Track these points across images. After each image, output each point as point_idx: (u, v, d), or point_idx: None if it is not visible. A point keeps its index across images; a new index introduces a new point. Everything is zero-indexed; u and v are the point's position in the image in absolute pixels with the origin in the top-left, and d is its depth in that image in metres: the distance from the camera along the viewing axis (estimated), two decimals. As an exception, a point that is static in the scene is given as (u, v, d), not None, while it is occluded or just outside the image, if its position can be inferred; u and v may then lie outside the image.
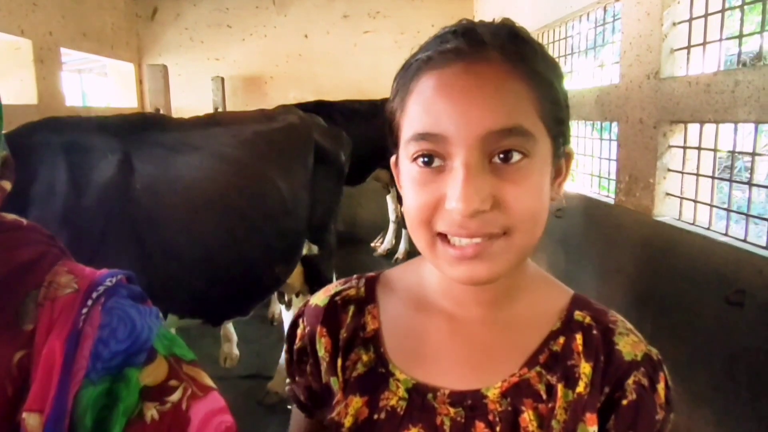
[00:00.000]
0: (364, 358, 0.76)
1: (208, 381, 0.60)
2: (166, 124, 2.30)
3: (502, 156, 0.62)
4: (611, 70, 3.94)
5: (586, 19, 4.26)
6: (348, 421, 0.73)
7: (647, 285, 3.19)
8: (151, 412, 0.54)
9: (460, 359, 0.74)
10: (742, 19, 2.51)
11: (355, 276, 0.85)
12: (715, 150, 2.77)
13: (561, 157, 0.72)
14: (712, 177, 2.82)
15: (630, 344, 0.72)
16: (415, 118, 0.65)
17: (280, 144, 2.58)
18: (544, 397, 0.70)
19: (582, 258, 4.09)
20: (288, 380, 0.88)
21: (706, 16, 2.72)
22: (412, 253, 5.53)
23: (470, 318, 0.75)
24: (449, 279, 0.69)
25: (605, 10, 3.92)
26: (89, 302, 0.55)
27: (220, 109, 6.81)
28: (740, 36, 2.58)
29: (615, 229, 3.58)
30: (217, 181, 2.22)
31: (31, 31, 4.86)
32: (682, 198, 2.99)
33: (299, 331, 0.83)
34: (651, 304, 3.14)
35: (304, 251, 2.79)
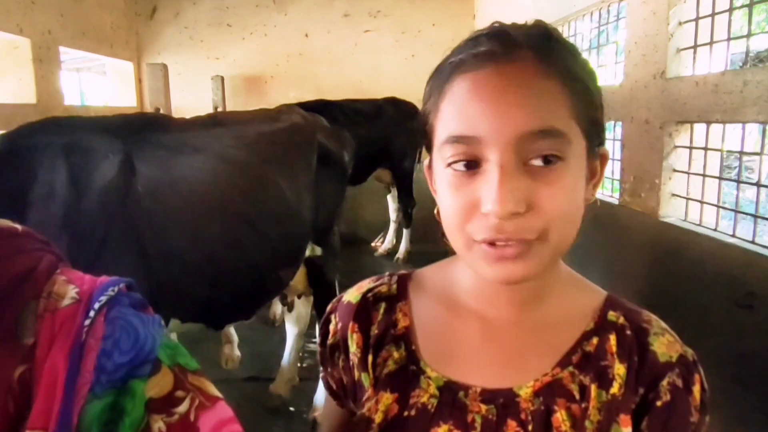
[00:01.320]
0: (395, 355, 0.76)
1: (214, 390, 0.58)
2: (168, 125, 2.26)
3: (542, 160, 0.62)
4: (612, 69, 3.91)
5: (588, 19, 4.24)
6: (378, 417, 0.73)
7: (653, 286, 3.17)
8: (159, 424, 0.53)
9: (491, 358, 0.74)
10: (750, 19, 2.49)
11: (387, 273, 0.85)
12: (722, 150, 2.75)
13: (596, 158, 0.71)
14: (719, 178, 2.80)
15: (665, 345, 0.71)
16: (448, 121, 0.65)
17: (283, 145, 2.55)
18: (577, 397, 0.69)
19: (585, 259, 4.06)
20: (321, 369, 0.89)
21: (713, 15, 2.70)
22: (413, 253, 5.55)
23: (502, 318, 0.75)
24: (483, 279, 0.69)
25: (609, 11, 3.89)
26: (91, 313, 0.53)
27: (220, 109, 6.78)
28: (748, 35, 2.56)
29: (619, 229, 3.55)
30: (220, 183, 2.19)
31: (29, 29, 4.83)
32: (688, 199, 2.97)
33: (332, 327, 0.84)
34: (657, 306, 3.08)
35: (308, 253, 2.76)
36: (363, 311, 0.80)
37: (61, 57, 5.54)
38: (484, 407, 0.70)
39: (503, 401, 0.70)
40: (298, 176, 2.56)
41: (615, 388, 0.69)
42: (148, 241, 1.94)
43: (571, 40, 4.53)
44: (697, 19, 2.82)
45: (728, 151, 2.81)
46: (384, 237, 6.34)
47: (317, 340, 0.89)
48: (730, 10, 2.58)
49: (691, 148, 2.96)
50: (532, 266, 0.64)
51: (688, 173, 2.96)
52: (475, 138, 0.62)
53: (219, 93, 6.97)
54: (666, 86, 3.01)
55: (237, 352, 3.59)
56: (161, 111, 6.23)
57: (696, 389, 0.70)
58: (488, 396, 0.71)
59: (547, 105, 0.62)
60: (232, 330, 3.54)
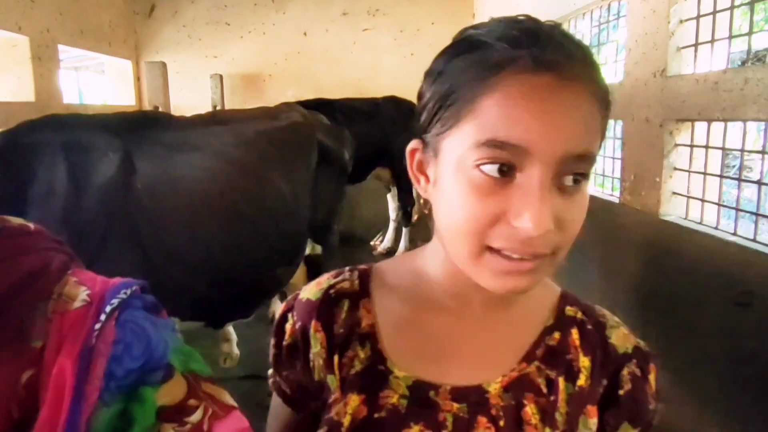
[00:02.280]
0: (361, 354, 0.74)
1: (229, 399, 0.57)
2: (168, 123, 2.26)
3: (572, 179, 0.61)
4: (612, 68, 3.91)
5: (588, 17, 4.23)
6: (347, 420, 0.71)
7: (652, 285, 3.17)
8: None
9: (460, 356, 0.74)
10: (751, 17, 2.48)
11: (347, 268, 0.82)
12: (723, 149, 2.74)
13: None
14: (720, 176, 2.79)
15: (621, 337, 0.75)
16: (491, 123, 0.60)
17: (282, 143, 2.54)
18: (545, 390, 0.71)
19: (585, 258, 4.06)
20: (271, 372, 0.85)
21: (714, 13, 2.69)
22: (414, 252, 5.49)
23: (472, 316, 0.75)
24: (459, 279, 0.68)
25: (609, 9, 3.89)
26: (102, 317, 0.51)
27: (218, 107, 6.76)
28: (750, 33, 2.55)
29: (620, 228, 3.55)
30: (219, 182, 2.18)
31: (28, 27, 4.81)
32: (688, 197, 2.96)
33: (288, 327, 0.80)
34: (656, 305, 3.11)
35: (307, 251, 2.76)
36: (326, 309, 0.77)
37: (60, 56, 5.52)
38: (455, 405, 0.70)
39: (474, 398, 0.70)
40: (297, 174, 2.55)
41: (582, 380, 0.72)
42: (147, 239, 1.94)
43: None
44: (698, 17, 2.82)
45: (729, 150, 2.80)
46: (383, 236, 6.33)
47: (271, 341, 0.84)
48: (732, 8, 2.57)
49: (691, 146, 2.95)
50: (536, 280, 0.65)
51: (689, 171, 2.96)
52: (522, 149, 0.59)
53: (218, 91, 6.96)
54: (666, 84, 3.00)
55: (236, 351, 3.58)
56: (160, 109, 6.22)
57: (652, 377, 0.75)
58: (459, 394, 0.71)
59: (589, 128, 0.62)
60: (230, 328, 3.53)
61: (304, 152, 2.66)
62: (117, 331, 0.51)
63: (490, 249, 0.62)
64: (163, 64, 6.80)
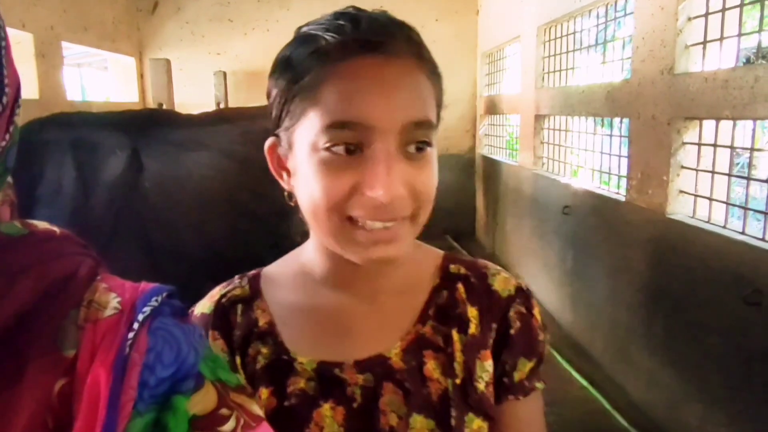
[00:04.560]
0: (264, 350, 0.77)
1: (257, 409, 0.55)
2: (175, 121, 2.25)
3: (415, 147, 0.67)
4: (618, 66, 3.89)
5: (595, 15, 4.21)
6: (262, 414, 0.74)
7: (660, 283, 3.16)
8: None
9: (357, 330, 0.77)
10: (762, 15, 2.47)
11: (236, 276, 0.85)
12: (732, 147, 2.73)
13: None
14: (728, 174, 2.78)
15: (502, 281, 0.80)
16: (332, 107, 0.65)
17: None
18: (442, 346, 0.76)
19: (591, 256, 4.06)
20: None
21: (723, 11, 2.67)
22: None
23: (361, 292, 0.78)
24: (343, 260, 0.72)
25: (615, 5, 3.87)
26: (135, 325, 0.50)
27: (222, 104, 6.76)
28: (759, 30, 2.54)
29: (626, 226, 3.54)
30: (227, 180, 2.18)
31: (32, 24, 4.81)
32: (696, 195, 2.95)
33: None
34: (663, 303, 3.10)
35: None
36: (220, 318, 0.79)
37: (63, 52, 5.51)
38: (360, 377, 0.74)
39: (377, 367, 0.74)
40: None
41: (472, 329, 0.77)
42: (154, 237, 1.93)
43: (576, 36, 4.51)
44: (706, 15, 2.80)
45: (738, 148, 2.79)
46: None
47: None
48: (741, 5, 2.56)
49: (699, 144, 2.94)
50: (402, 247, 0.69)
51: (696, 170, 2.95)
52: (363, 125, 0.64)
53: (221, 88, 6.95)
54: (674, 82, 2.99)
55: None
56: (164, 107, 6.21)
57: (536, 312, 0.80)
58: (362, 366, 0.74)
59: (424, 98, 0.67)
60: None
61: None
62: (149, 339, 0.50)
63: (352, 222, 0.67)
64: (168, 62, 6.79)
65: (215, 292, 0.83)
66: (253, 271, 0.85)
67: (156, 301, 0.53)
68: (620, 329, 3.59)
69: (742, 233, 2.54)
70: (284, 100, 0.70)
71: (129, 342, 0.49)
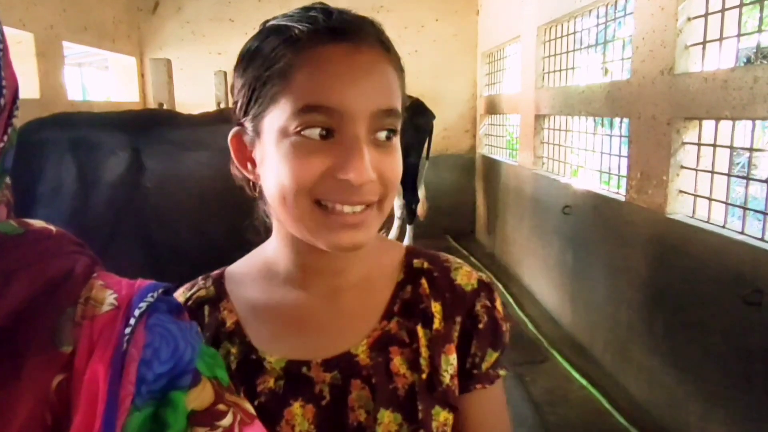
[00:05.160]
0: (233, 350, 0.77)
1: (250, 408, 0.56)
2: (176, 121, 2.25)
3: (384, 133, 0.69)
4: (618, 66, 3.89)
5: (595, 15, 4.21)
6: None
7: (660, 283, 3.16)
8: None
9: (323, 328, 0.78)
10: (762, 15, 2.47)
11: (200, 277, 0.86)
12: (731, 147, 2.74)
13: None
14: (728, 174, 2.78)
15: (465, 275, 0.82)
16: (305, 91, 0.66)
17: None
18: (408, 341, 0.77)
19: (591, 255, 4.06)
20: None
21: (723, 11, 2.68)
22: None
23: (325, 289, 0.79)
24: (309, 252, 0.73)
25: (615, 6, 3.87)
26: (132, 321, 0.50)
27: (222, 104, 6.75)
28: (759, 31, 2.54)
29: (626, 226, 3.54)
30: (227, 179, 2.17)
31: (32, 24, 4.81)
32: (695, 195, 2.95)
33: None
34: (664, 303, 3.11)
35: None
36: None
37: (64, 52, 5.51)
38: (328, 375, 0.75)
39: (344, 364, 0.75)
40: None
41: (436, 324, 0.78)
42: (155, 237, 1.94)
43: (577, 36, 4.51)
44: (706, 15, 2.80)
45: (737, 148, 2.79)
46: (387, 233, 6.34)
47: None
48: (741, 5, 2.56)
49: (699, 144, 2.94)
50: (369, 232, 0.71)
51: (696, 170, 2.95)
52: (335, 110, 0.65)
53: (222, 88, 6.93)
54: (674, 82, 2.99)
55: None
56: (165, 106, 6.21)
57: (498, 304, 0.82)
58: (329, 364, 0.75)
59: (390, 86, 0.70)
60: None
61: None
62: (146, 335, 0.51)
63: (321, 206, 0.68)
64: (168, 61, 6.77)
65: (179, 294, 0.83)
66: (216, 271, 0.86)
67: (152, 297, 0.53)
68: (620, 329, 3.59)
69: (742, 233, 2.55)
70: (253, 89, 0.70)
71: (126, 337, 0.49)
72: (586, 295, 4.12)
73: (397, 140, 0.72)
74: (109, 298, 0.52)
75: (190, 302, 0.81)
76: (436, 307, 0.79)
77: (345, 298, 0.80)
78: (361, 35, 0.69)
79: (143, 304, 0.52)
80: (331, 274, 0.79)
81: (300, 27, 0.68)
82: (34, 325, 0.48)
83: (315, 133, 0.66)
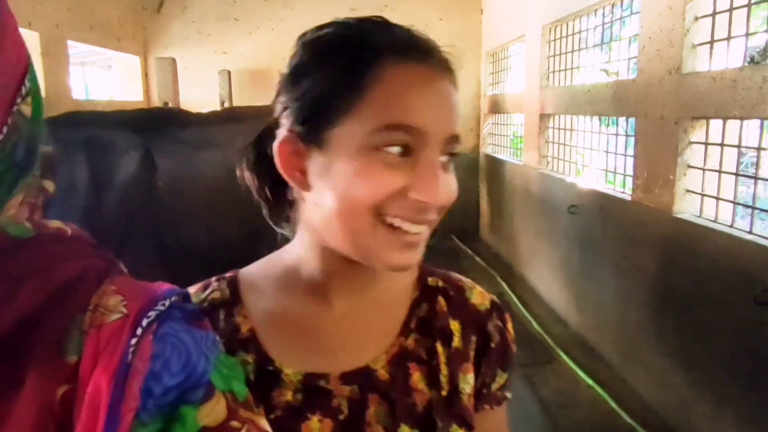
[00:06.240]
0: (249, 359, 0.74)
1: (266, 425, 0.53)
2: (186, 120, 2.25)
3: (447, 157, 0.69)
4: (623, 65, 3.89)
5: (597, 14, 4.21)
6: None
7: (667, 283, 3.16)
8: None
9: (342, 342, 0.77)
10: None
11: (214, 278, 0.81)
12: (739, 146, 2.73)
13: None
14: (736, 174, 2.78)
15: (479, 296, 0.83)
16: (389, 107, 0.65)
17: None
18: (426, 358, 0.77)
19: (598, 255, 4.06)
20: None
21: (731, 10, 2.67)
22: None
23: (344, 303, 0.78)
24: (340, 268, 0.73)
25: (622, 5, 3.86)
26: (139, 331, 0.48)
27: (226, 104, 6.76)
28: (767, 30, 2.54)
29: (632, 225, 3.54)
30: (238, 179, 2.18)
31: (38, 23, 4.82)
32: (703, 195, 2.95)
33: None
34: (672, 302, 3.10)
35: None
36: None
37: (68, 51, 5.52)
38: (347, 389, 0.73)
39: (363, 379, 0.74)
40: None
41: (455, 342, 0.78)
42: (168, 236, 1.94)
43: (582, 35, 4.50)
44: (713, 14, 2.80)
45: (745, 147, 2.78)
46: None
47: None
48: (749, 5, 2.56)
49: (706, 144, 2.94)
50: (421, 253, 0.71)
51: (703, 169, 2.95)
52: (419, 130, 0.65)
53: (226, 87, 6.95)
54: (682, 82, 2.99)
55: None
56: (170, 105, 6.22)
57: (509, 325, 0.83)
58: (348, 377, 0.74)
59: (458, 113, 0.71)
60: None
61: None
62: (155, 346, 0.48)
63: (385, 224, 0.67)
64: (173, 60, 6.80)
65: (192, 294, 0.78)
66: (229, 273, 0.82)
67: (163, 305, 0.50)
68: (628, 329, 3.59)
69: (750, 233, 2.54)
70: (320, 99, 0.67)
71: (132, 349, 0.47)
72: (594, 295, 4.11)
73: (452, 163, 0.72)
74: (119, 306, 0.49)
75: (205, 304, 0.78)
76: (455, 325, 0.79)
77: (363, 313, 0.78)
78: (440, 58, 0.69)
79: (152, 313, 0.49)
80: (354, 288, 0.78)
81: (382, 40, 0.67)
82: (40, 333, 0.46)
83: (394, 150, 0.65)
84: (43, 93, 2.71)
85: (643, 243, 3.40)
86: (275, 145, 0.71)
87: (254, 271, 0.82)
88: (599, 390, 3.56)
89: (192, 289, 0.80)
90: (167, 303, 0.51)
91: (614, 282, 3.78)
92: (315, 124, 0.68)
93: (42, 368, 0.45)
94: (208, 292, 0.79)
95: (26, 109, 0.50)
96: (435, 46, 0.70)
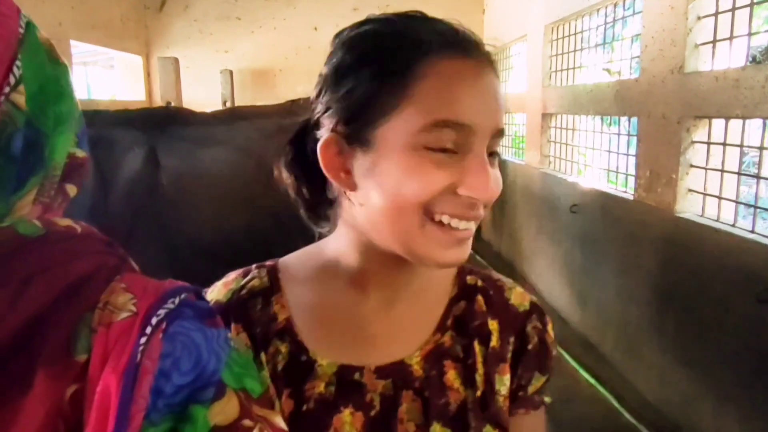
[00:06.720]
0: (283, 349, 0.74)
1: (281, 423, 0.53)
2: (190, 118, 2.26)
3: (493, 152, 0.69)
4: (625, 64, 3.89)
5: (598, 14, 4.21)
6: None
7: (669, 282, 3.16)
8: None
9: (378, 335, 0.76)
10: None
11: (254, 266, 0.81)
12: (741, 146, 2.74)
13: None
14: (738, 173, 2.79)
15: (519, 296, 0.81)
16: (437, 104, 0.64)
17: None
18: (462, 356, 0.76)
19: (600, 254, 4.06)
20: None
21: (733, 10, 2.68)
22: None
23: (384, 296, 0.77)
24: (381, 263, 0.72)
25: (624, 4, 3.87)
26: (148, 330, 0.47)
27: (228, 103, 6.77)
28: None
29: (634, 224, 3.55)
30: (243, 176, 2.19)
31: (40, 22, 4.71)
32: (705, 194, 2.96)
33: None
34: (674, 301, 3.11)
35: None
36: (240, 310, 0.76)
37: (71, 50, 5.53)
38: (380, 384, 0.73)
39: (397, 374, 0.74)
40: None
41: (493, 342, 0.77)
42: (172, 234, 1.95)
43: (584, 35, 4.51)
44: (716, 14, 2.81)
45: (748, 147, 2.79)
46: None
47: None
48: (752, 5, 2.56)
49: (708, 143, 2.95)
50: (469, 249, 0.70)
51: (706, 168, 2.95)
52: (468, 127, 0.64)
53: (228, 87, 6.96)
54: (684, 81, 2.99)
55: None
56: (173, 104, 6.23)
57: (549, 327, 0.81)
58: (382, 372, 0.73)
59: (503, 108, 0.69)
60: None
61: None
62: (165, 345, 0.47)
63: (434, 221, 0.66)
64: (176, 60, 6.81)
65: (230, 280, 0.80)
66: (269, 262, 0.81)
67: (173, 302, 0.50)
68: (630, 327, 3.59)
69: (752, 232, 2.55)
70: (365, 98, 0.66)
71: (141, 348, 0.46)
72: (595, 294, 4.12)
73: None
74: (129, 304, 0.48)
75: (243, 291, 0.77)
76: (493, 325, 0.78)
77: (400, 309, 0.78)
78: (484, 53, 0.68)
79: (162, 311, 0.49)
80: (393, 284, 0.77)
81: (426, 35, 0.65)
82: (49, 332, 0.46)
83: (445, 146, 0.64)
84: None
85: (645, 242, 3.40)
86: (319, 146, 0.69)
87: (293, 261, 0.82)
88: (600, 388, 3.57)
89: (232, 275, 0.80)
90: (177, 301, 0.50)
91: (616, 281, 3.79)
92: (359, 124, 0.67)
93: (51, 367, 0.45)
94: (248, 279, 0.79)
95: (19, 99, 0.48)
96: (478, 39, 0.69)
